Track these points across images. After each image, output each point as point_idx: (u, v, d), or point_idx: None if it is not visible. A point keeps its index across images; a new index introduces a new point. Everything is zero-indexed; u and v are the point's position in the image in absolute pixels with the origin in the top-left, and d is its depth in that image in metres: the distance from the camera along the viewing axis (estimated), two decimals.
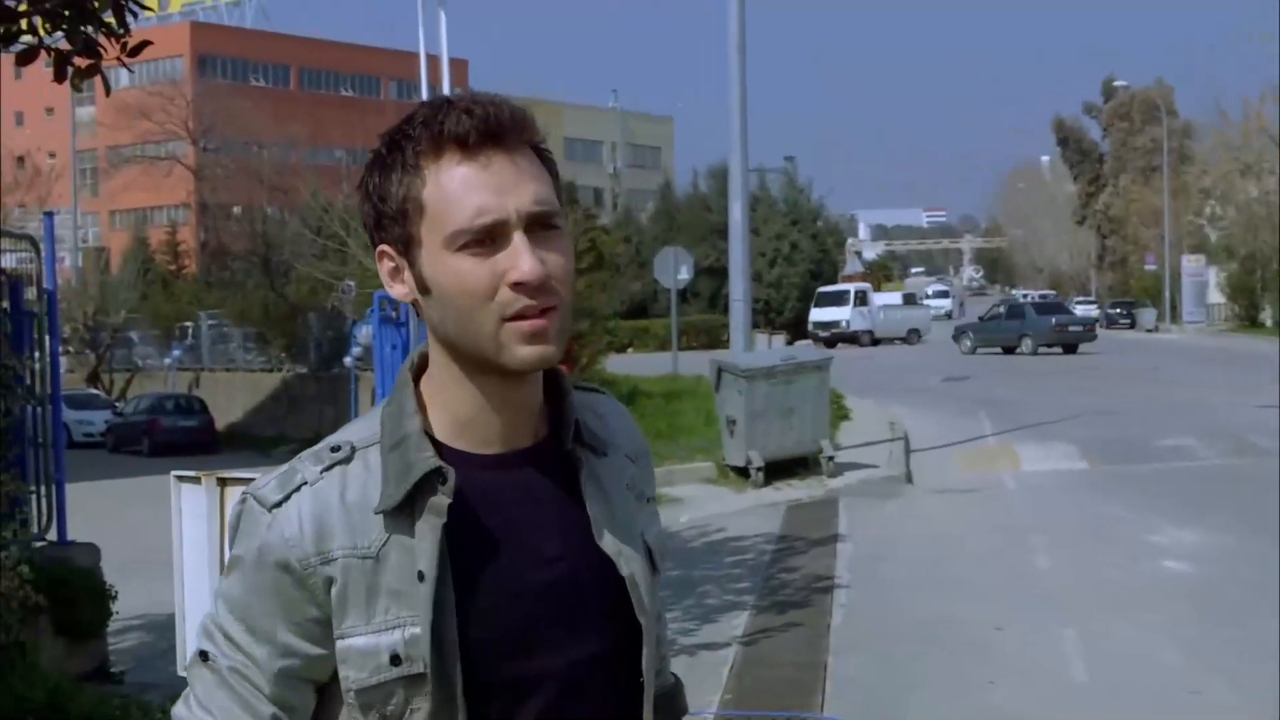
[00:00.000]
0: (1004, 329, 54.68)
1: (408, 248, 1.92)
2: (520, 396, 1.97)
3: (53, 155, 72.85)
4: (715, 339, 61.46)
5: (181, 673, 5.79)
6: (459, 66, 35.22)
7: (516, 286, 1.85)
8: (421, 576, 1.87)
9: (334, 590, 1.89)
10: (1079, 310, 71.26)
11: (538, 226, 1.88)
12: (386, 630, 1.88)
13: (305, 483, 1.93)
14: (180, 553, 5.64)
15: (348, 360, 36.68)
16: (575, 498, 2.00)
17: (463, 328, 1.90)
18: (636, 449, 2.16)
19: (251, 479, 5.45)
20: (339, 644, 1.90)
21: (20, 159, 65.68)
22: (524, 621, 1.93)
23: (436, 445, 1.95)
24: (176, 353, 49.41)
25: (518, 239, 1.86)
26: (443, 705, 1.88)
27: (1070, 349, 52.15)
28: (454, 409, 1.97)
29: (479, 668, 1.90)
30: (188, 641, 5.71)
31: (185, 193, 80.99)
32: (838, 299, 67.59)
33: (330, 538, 1.89)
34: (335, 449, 1.96)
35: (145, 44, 8.89)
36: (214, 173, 77.80)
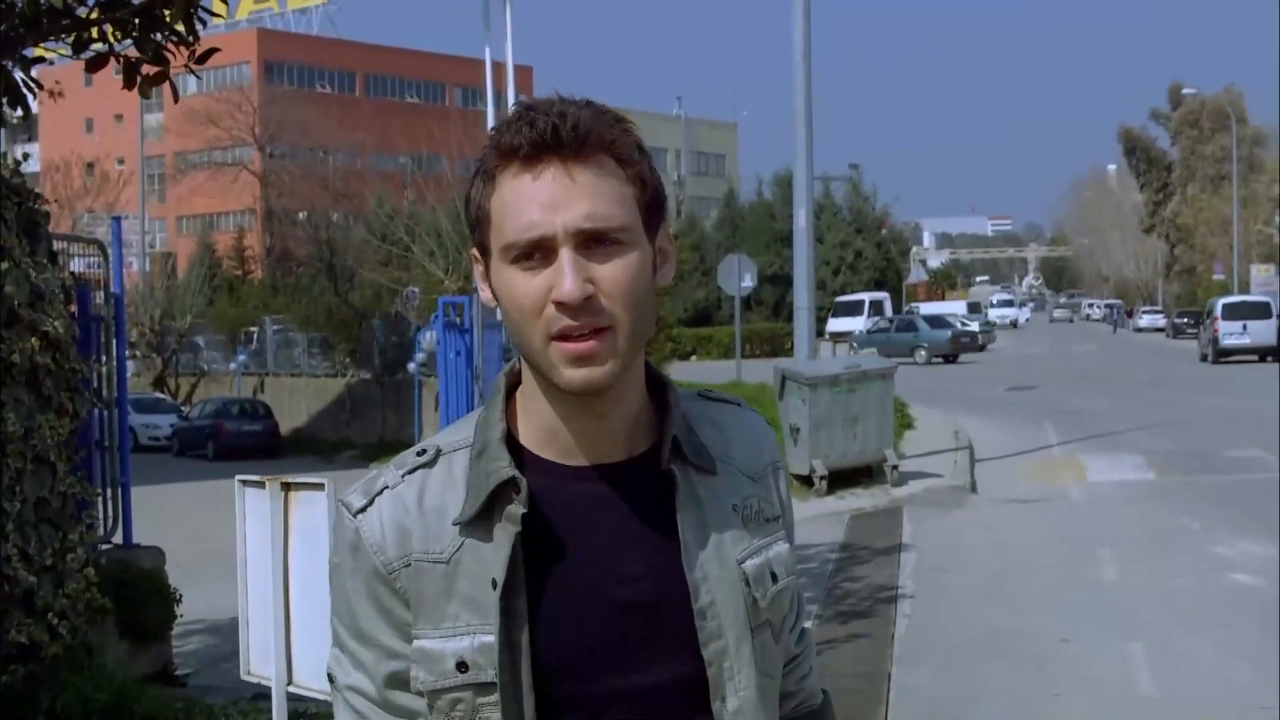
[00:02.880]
0: (896, 340, 57.59)
1: (485, 254, 1.91)
2: (598, 411, 1.91)
3: (121, 161, 73.46)
4: (778, 347, 61.39)
5: (246, 677, 5.82)
6: (523, 74, 35.31)
7: (559, 306, 1.81)
8: (495, 584, 1.86)
9: (410, 593, 1.90)
10: (1145, 319, 71.17)
11: (594, 243, 1.83)
12: (455, 636, 1.88)
13: (387, 487, 1.94)
14: (244, 557, 5.65)
15: (411, 366, 36.82)
16: (669, 517, 1.93)
17: (519, 340, 1.88)
18: (759, 466, 2.06)
19: (318, 484, 5.48)
20: (414, 645, 1.90)
21: (89, 165, 66.22)
22: (597, 638, 1.89)
23: (523, 453, 1.94)
24: (242, 357, 49.68)
25: (564, 256, 1.81)
26: (514, 714, 1.86)
27: (951, 359, 56.62)
28: (539, 418, 1.94)
29: (549, 681, 1.87)
30: (251, 647, 5.73)
31: (251, 198, 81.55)
32: (853, 309, 67.17)
33: (408, 541, 1.90)
34: (421, 453, 1.97)
35: (213, 51, 8.95)
36: (279, 178, 78.21)
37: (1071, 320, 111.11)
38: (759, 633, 1.98)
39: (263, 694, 9.38)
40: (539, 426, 1.94)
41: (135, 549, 10.52)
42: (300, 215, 72.88)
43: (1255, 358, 47.82)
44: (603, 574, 1.90)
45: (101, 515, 10.16)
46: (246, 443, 40.43)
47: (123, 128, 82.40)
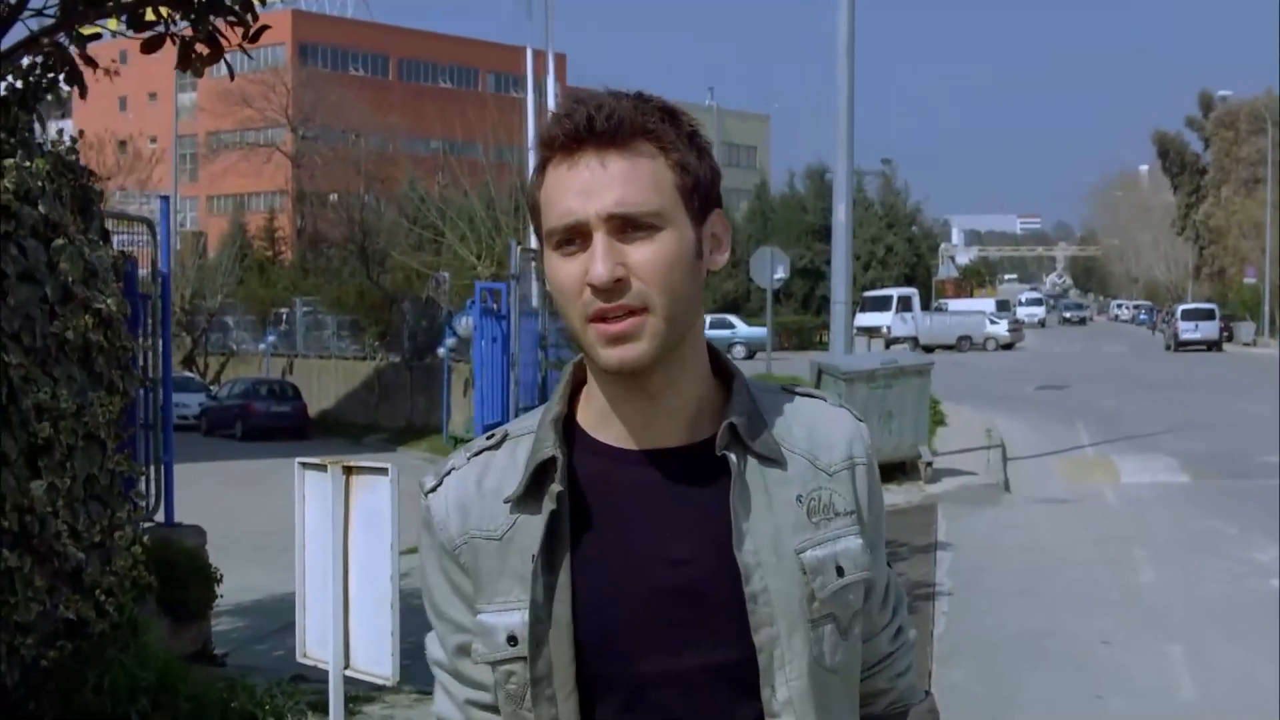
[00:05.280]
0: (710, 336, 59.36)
1: (541, 244, 1.99)
2: (647, 392, 1.97)
3: (154, 140, 73.60)
4: (807, 340, 61.41)
5: (302, 659, 5.82)
6: (557, 61, 35.27)
7: (591, 288, 1.88)
8: (532, 560, 1.94)
9: (471, 569, 2.01)
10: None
11: (628, 228, 1.90)
12: (506, 611, 1.97)
13: (454, 469, 2.06)
14: (302, 540, 5.65)
15: (441, 350, 36.85)
16: (723, 503, 1.96)
17: (565, 323, 1.97)
18: (835, 461, 2.06)
19: (382, 469, 5.48)
20: (475, 619, 2.00)
21: (122, 143, 66.33)
22: (637, 619, 1.94)
23: (579, 434, 2.01)
24: (271, 338, 49.83)
25: (596, 240, 1.89)
26: (551, 688, 1.94)
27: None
28: (598, 401, 2.02)
29: (589, 659, 1.93)
30: (308, 630, 5.73)
31: (283, 179, 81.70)
32: (881, 304, 66.85)
33: (468, 519, 2.01)
34: (490, 436, 2.08)
35: (265, 28, 8.97)
36: (312, 160, 78.31)
37: (1084, 322, 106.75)
38: (819, 625, 1.98)
39: (301, 676, 9.41)
40: (597, 410, 2.02)
41: (177, 528, 10.54)
42: (332, 197, 73.02)
43: (1204, 347, 64.47)
44: (648, 556, 1.95)
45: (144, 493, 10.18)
46: (274, 424, 40.55)
47: (156, 106, 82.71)
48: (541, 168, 1.97)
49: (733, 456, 1.96)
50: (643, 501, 1.97)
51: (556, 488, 1.93)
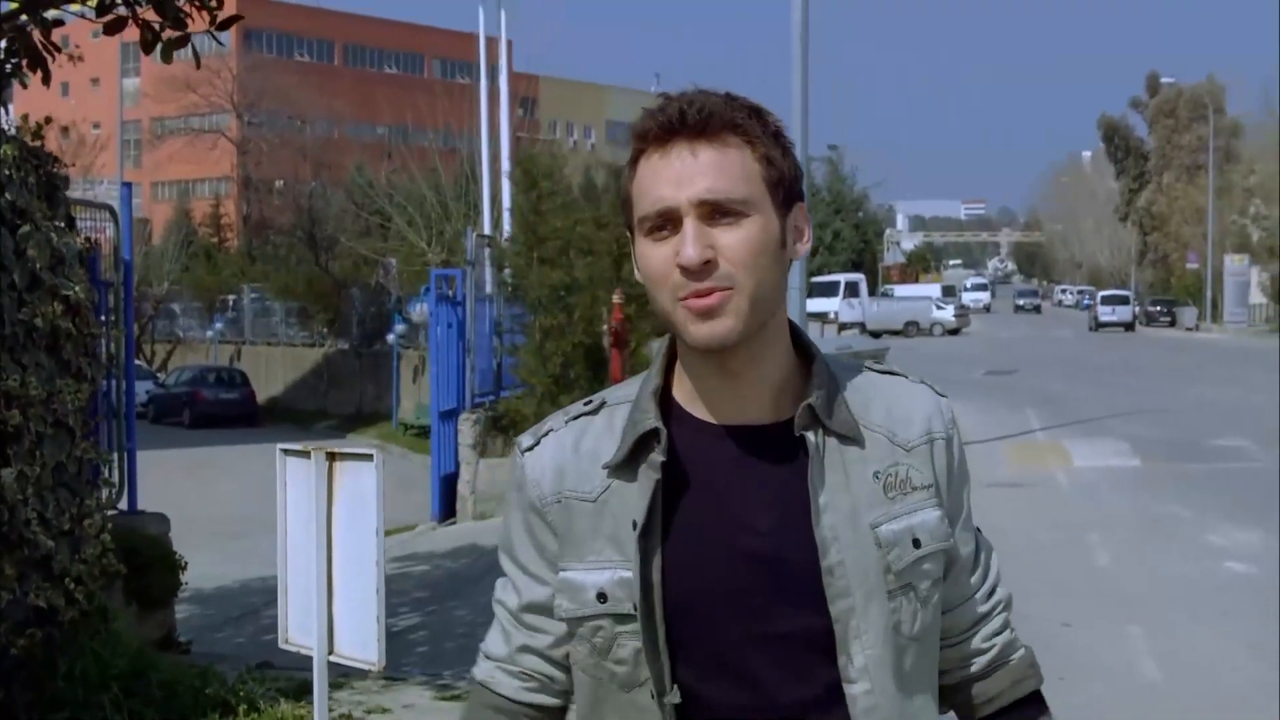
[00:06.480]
0: None
1: (632, 234, 2.09)
2: (730, 370, 2.06)
3: (97, 126, 72.98)
4: None
5: (284, 645, 5.80)
6: (507, 48, 35.12)
7: (682, 270, 1.98)
8: (635, 525, 2.03)
9: (560, 527, 2.12)
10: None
11: (717, 214, 1.99)
12: (597, 569, 2.08)
13: (552, 430, 2.18)
14: (284, 527, 5.64)
15: (391, 337, 36.78)
16: (804, 479, 2.05)
17: (656, 306, 2.06)
18: (913, 436, 2.14)
19: (366, 454, 5.48)
20: (559, 575, 2.12)
21: (65, 129, 65.78)
22: (719, 584, 2.03)
23: (674, 408, 2.11)
24: (218, 325, 49.59)
25: (687, 225, 1.98)
26: (649, 645, 2.04)
27: None
28: (688, 378, 2.12)
29: (676, 619, 2.04)
30: (289, 615, 5.72)
31: (229, 166, 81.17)
32: (828, 290, 66.86)
33: (563, 480, 2.12)
34: (588, 403, 2.19)
35: (236, 18, 8.93)
36: (258, 146, 77.86)
37: (1038, 310, 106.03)
38: (895, 596, 2.07)
39: (268, 662, 9.40)
40: (689, 387, 2.12)
41: (141, 515, 10.49)
42: (278, 184, 72.65)
43: (1121, 328, 73.07)
44: (732, 525, 2.05)
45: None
46: (223, 411, 40.43)
47: (99, 92, 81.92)
48: (634, 160, 2.06)
49: (811, 436, 2.06)
50: (730, 474, 2.07)
51: (659, 458, 2.04)
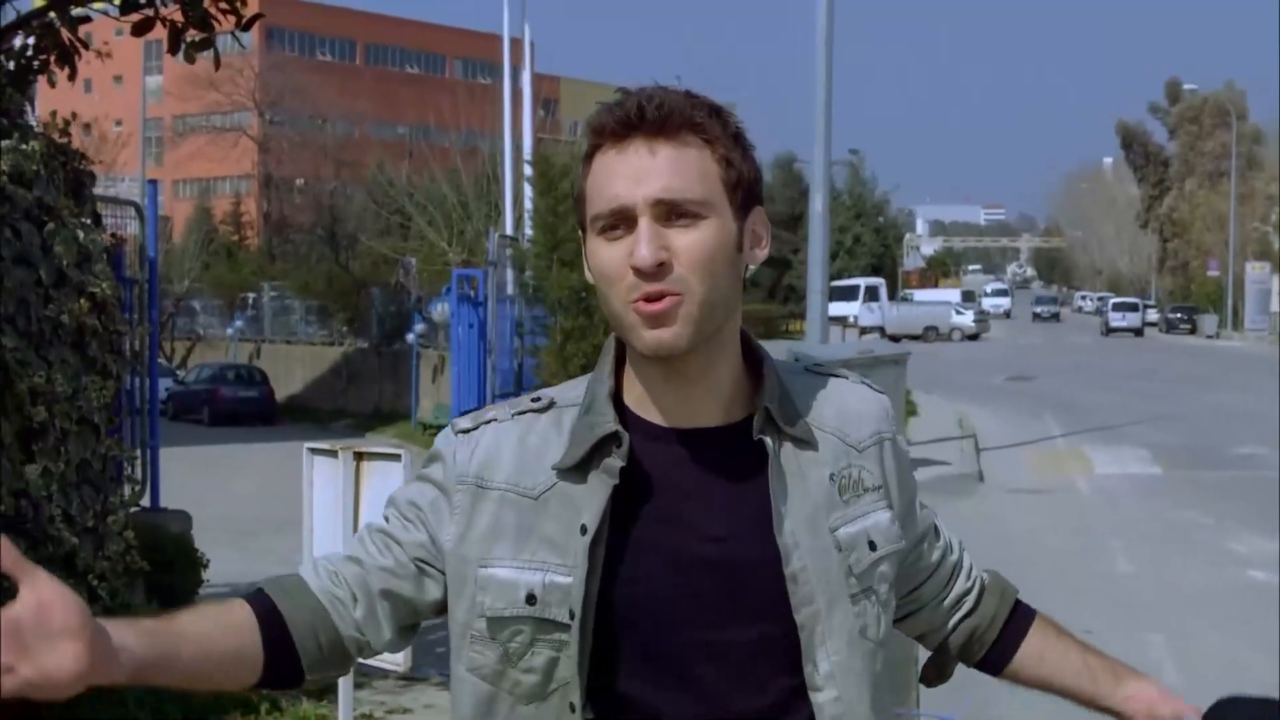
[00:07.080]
0: None
1: (584, 232, 2.02)
2: (682, 375, 2.01)
3: (119, 123, 73.16)
4: (773, 329, 61.40)
5: None
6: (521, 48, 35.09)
7: (635, 271, 1.92)
8: (584, 530, 1.96)
9: (483, 519, 2.00)
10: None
11: (674, 215, 1.93)
12: (530, 570, 1.97)
13: (494, 419, 2.07)
14: (310, 525, 5.65)
15: (410, 336, 36.76)
16: (759, 484, 2.01)
17: (605, 308, 2.00)
18: (863, 437, 2.11)
19: (394, 454, 5.48)
20: (481, 571, 1.99)
21: (87, 126, 65.94)
22: (674, 592, 1.97)
23: (626, 412, 2.04)
24: (238, 323, 49.58)
25: (642, 225, 1.92)
26: (581, 656, 1.95)
27: None
28: (638, 381, 2.05)
29: (627, 630, 1.97)
30: None
31: (250, 164, 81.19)
32: (848, 294, 66.61)
33: (495, 470, 2.02)
34: (536, 399, 2.09)
35: (258, 16, 8.94)
36: (279, 145, 77.93)
37: (1057, 318, 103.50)
38: (859, 600, 2.04)
39: None
40: (638, 388, 2.05)
41: (163, 512, 10.53)
42: (299, 182, 72.73)
43: (1131, 334, 75.93)
44: (686, 532, 1.98)
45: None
46: (242, 409, 40.42)
47: (122, 89, 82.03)
48: (589, 156, 2.00)
49: (769, 440, 2.01)
50: (682, 479, 2.00)
51: (618, 463, 1.96)
